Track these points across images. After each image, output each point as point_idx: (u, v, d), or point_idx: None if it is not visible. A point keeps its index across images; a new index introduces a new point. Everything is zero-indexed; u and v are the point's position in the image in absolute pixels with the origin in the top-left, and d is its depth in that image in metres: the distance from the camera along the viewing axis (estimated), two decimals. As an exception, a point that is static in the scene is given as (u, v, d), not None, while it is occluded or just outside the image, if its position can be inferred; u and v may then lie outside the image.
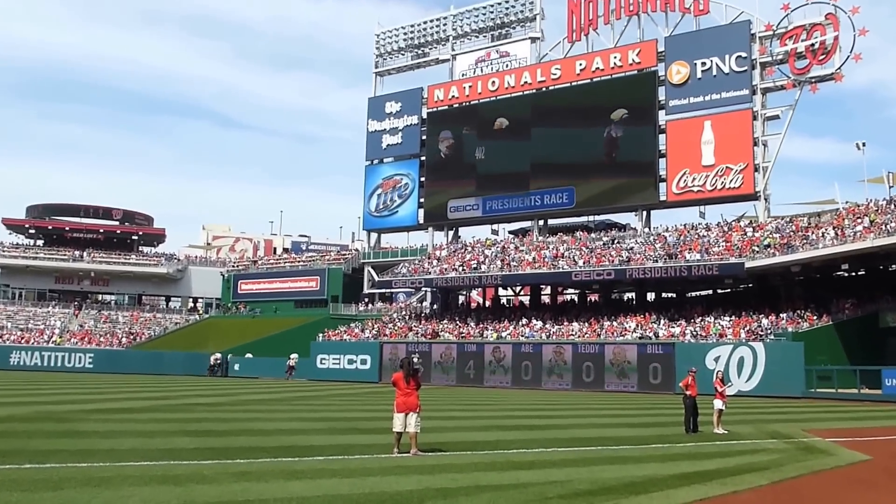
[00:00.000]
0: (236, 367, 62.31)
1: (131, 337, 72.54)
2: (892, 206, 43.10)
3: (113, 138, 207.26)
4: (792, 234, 46.45)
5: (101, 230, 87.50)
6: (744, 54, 54.19)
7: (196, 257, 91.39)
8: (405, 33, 71.51)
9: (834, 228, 44.03)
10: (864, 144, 52.04)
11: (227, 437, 17.41)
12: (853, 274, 48.39)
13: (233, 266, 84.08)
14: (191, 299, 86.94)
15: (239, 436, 17.83)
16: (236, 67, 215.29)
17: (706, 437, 19.47)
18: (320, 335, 60.97)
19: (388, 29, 72.73)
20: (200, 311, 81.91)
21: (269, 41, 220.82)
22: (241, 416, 23.21)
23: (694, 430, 20.12)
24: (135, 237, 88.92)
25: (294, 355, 58.58)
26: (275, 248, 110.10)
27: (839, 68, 51.11)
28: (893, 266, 46.68)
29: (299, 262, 79.93)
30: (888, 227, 39.71)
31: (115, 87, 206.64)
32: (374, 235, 73.36)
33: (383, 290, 69.11)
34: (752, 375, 41.44)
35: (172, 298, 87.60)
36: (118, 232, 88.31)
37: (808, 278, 48.66)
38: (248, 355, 60.00)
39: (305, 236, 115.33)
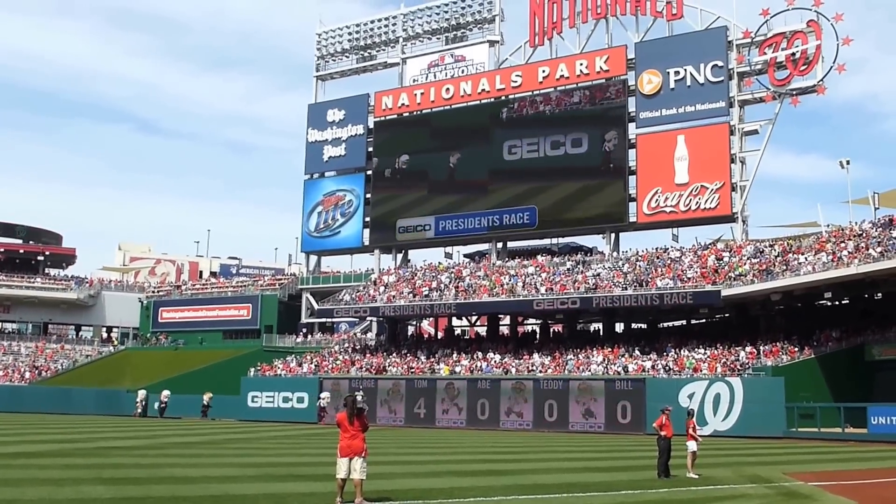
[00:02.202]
0: (156, 405, 61.35)
1: (35, 371, 71.05)
2: (878, 230, 44.20)
3: (15, 144, 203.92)
4: (771, 259, 47.35)
5: (2, 249, 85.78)
6: (720, 63, 55.36)
7: (111, 281, 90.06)
8: (350, 33, 71.75)
9: (815, 253, 45.01)
10: (848, 163, 53.43)
11: (146, 486, 17.16)
12: (837, 303, 49.49)
13: (153, 291, 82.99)
14: (104, 328, 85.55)
15: (160, 483, 17.59)
16: (160, 66, 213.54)
17: (680, 481, 19.70)
18: (252, 370, 60.37)
19: (330, 28, 72.91)
20: (115, 342, 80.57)
21: (199, 36, 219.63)
22: (163, 462, 22.89)
23: (666, 474, 20.36)
24: (40, 258, 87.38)
25: (209, 394, 57.81)
26: (201, 272, 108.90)
27: (822, 80, 52.47)
28: (880, 294, 47.79)
29: (229, 287, 79.21)
30: (874, 252, 40.71)
31: (17, 85, 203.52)
32: (313, 258, 73.09)
33: (324, 320, 68.78)
34: (728, 414, 42.03)
35: (83, 327, 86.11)
36: (21, 252, 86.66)
37: (790, 307, 49.64)
38: (165, 392, 59.04)
39: (236, 258, 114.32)
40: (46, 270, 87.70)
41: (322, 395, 53.62)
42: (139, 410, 58.71)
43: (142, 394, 59.61)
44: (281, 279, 78.03)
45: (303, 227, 71.98)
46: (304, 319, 70.89)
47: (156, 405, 60.59)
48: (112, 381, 66.25)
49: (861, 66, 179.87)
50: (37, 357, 75.10)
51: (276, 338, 68.41)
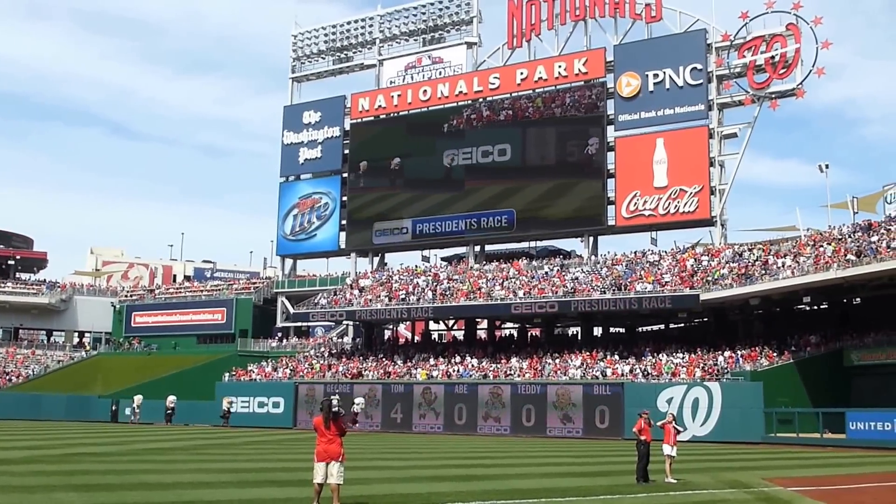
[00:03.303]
0: (127, 411, 61.00)
1: (6, 377, 70.40)
2: (857, 234, 44.59)
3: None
4: (750, 263, 47.67)
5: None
6: (699, 66, 55.70)
7: (83, 285, 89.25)
8: (326, 35, 71.65)
9: (794, 258, 45.35)
10: (827, 167, 53.89)
11: (118, 492, 17.09)
12: (816, 308, 49.85)
13: (126, 296, 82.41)
14: (76, 333, 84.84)
15: (133, 490, 17.51)
16: (135, 69, 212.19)
17: (659, 487, 19.80)
18: (227, 375, 60.10)
19: (306, 29, 72.80)
20: (87, 348, 79.97)
21: (175, 40, 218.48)
22: (135, 468, 22.76)
23: (645, 479, 20.45)
24: (11, 262, 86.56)
25: (172, 397, 57.54)
26: (174, 276, 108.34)
27: (801, 83, 52.90)
28: (859, 299, 48.20)
29: (203, 291, 78.83)
30: (852, 257, 41.04)
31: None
32: (288, 262, 72.91)
33: (299, 324, 68.49)
34: (707, 419, 42.27)
35: (55, 332, 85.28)
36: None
37: (768, 312, 49.99)
38: (137, 397, 58.58)
39: (210, 262, 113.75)
40: (17, 275, 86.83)
41: (357, 400, 51.94)
42: (134, 418, 57.97)
43: (138, 399, 58.74)
44: (256, 283, 77.67)
45: (278, 230, 71.78)
46: (279, 324, 70.64)
47: (127, 410, 60.27)
48: (84, 386, 65.71)
49: (841, 72, 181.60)
50: (7, 363, 74.33)
51: (251, 342, 68.10)
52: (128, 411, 60.49)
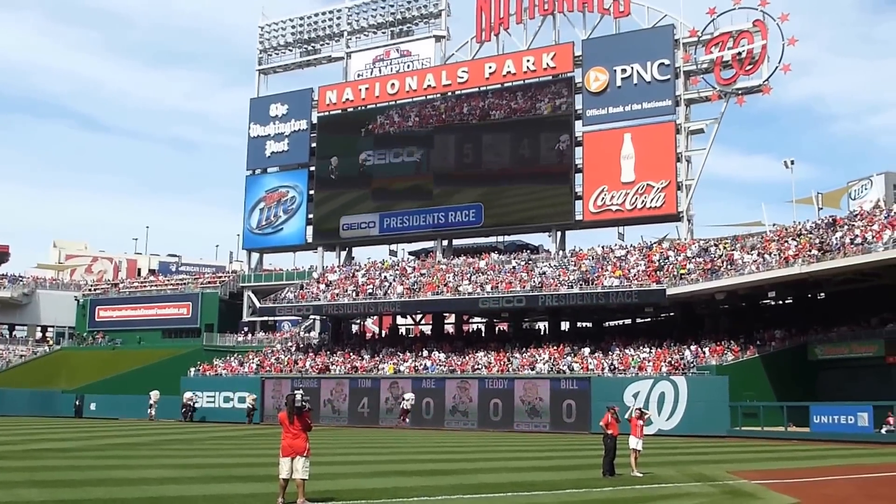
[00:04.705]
0: (92, 406, 60.48)
1: (-35, 372, 69.52)
2: (822, 230, 45.08)
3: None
4: (716, 259, 48.04)
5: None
6: (667, 62, 56.01)
7: (46, 279, 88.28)
8: (293, 26, 71.24)
9: (759, 253, 45.77)
10: (792, 162, 54.43)
11: (82, 488, 16.95)
12: (781, 302, 50.41)
13: (89, 290, 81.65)
14: (39, 328, 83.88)
15: (96, 486, 17.38)
16: (104, 61, 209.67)
17: (625, 480, 19.94)
18: (192, 369, 59.72)
19: (273, 21, 72.31)
20: (51, 342, 79.16)
21: (143, 31, 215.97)
22: (99, 464, 22.60)
23: (611, 473, 20.58)
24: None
25: (154, 392, 57.10)
26: (139, 270, 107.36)
27: (767, 80, 53.36)
28: (823, 294, 48.77)
29: (168, 285, 78.26)
30: (817, 252, 41.48)
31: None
32: (255, 255, 72.49)
33: (266, 318, 68.25)
34: (673, 413, 42.58)
35: (17, 327, 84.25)
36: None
37: (734, 307, 50.43)
38: (154, 393, 56.78)
39: (175, 256, 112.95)
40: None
41: (406, 395, 50.38)
42: (152, 413, 56.89)
43: (155, 394, 57.47)
44: (222, 277, 77.27)
45: (244, 223, 71.38)
46: (245, 318, 70.27)
47: (92, 406, 59.78)
48: (47, 381, 65.09)
49: (809, 69, 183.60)
50: (-34, 357, 73.42)
51: (216, 337, 67.70)
52: (93, 406, 59.93)
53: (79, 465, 22.08)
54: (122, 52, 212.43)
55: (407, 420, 49.75)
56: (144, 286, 79.82)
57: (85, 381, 63.65)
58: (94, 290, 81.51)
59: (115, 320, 74.62)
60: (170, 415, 56.42)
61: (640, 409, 23.63)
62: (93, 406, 60.61)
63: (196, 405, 55.89)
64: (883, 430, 35.88)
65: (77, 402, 60.83)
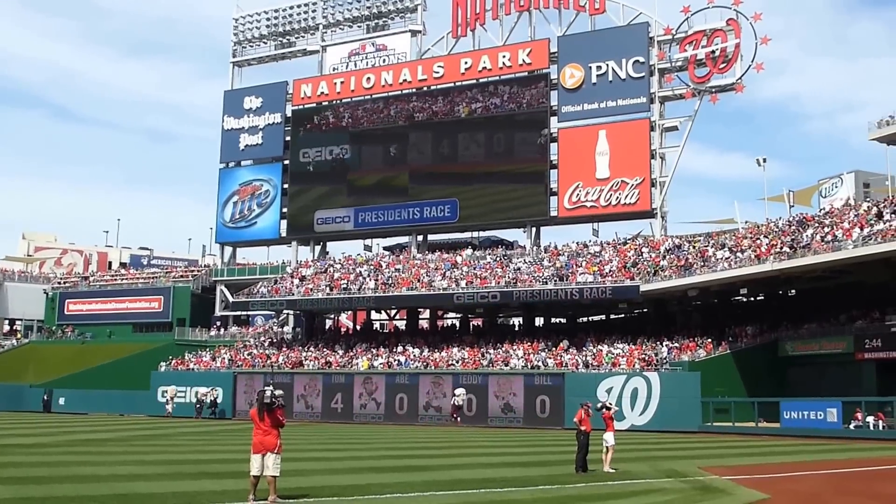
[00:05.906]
0: (61, 401, 59.99)
1: (-68, 366, 68.73)
2: (793, 227, 45.44)
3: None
4: (689, 255, 48.33)
5: None
6: (641, 59, 56.24)
7: (14, 272, 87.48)
8: (268, 19, 70.84)
9: (731, 250, 46.09)
10: (765, 160, 54.89)
11: (49, 485, 16.77)
12: (753, 299, 50.76)
13: (59, 283, 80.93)
14: (7, 321, 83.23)
15: (64, 482, 17.21)
16: (79, 50, 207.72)
17: (598, 476, 20.00)
18: (163, 364, 59.36)
19: (248, 13, 71.87)
20: (19, 335, 78.45)
21: (119, 20, 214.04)
22: (68, 460, 22.39)
23: (584, 469, 20.63)
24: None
25: (171, 387, 56.21)
26: (110, 263, 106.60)
27: (740, 78, 53.72)
28: (794, 291, 49.18)
29: (139, 279, 77.68)
30: (788, 249, 41.80)
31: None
32: (228, 249, 72.09)
33: (238, 313, 67.88)
34: (646, 408, 42.82)
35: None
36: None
37: (707, 303, 50.75)
38: (171, 388, 55.65)
39: (147, 249, 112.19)
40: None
41: (457, 391, 48.16)
42: (169, 409, 55.50)
43: (171, 389, 56.21)
44: (194, 271, 76.78)
45: (217, 217, 70.96)
46: (218, 312, 69.86)
47: (61, 401, 59.33)
48: (15, 376, 64.50)
49: (784, 68, 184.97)
50: (-67, 351, 72.63)
51: (188, 331, 67.27)
52: (62, 401, 59.44)
53: (47, 461, 21.87)
54: (98, 42, 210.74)
55: (458, 418, 47.60)
56: (115, 280, 79.22)
57: (54, 375, 63.13)
58: (64, 283, 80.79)
59: (85, 314, 73.92)
60: (142, 410, 56.05)
61: (603, 404, 23.35)
62: (62, 401, 60.12)
63: (217, 399, 54.67)
64: (851, 426, 36.26)
65: (46, 397, 60.36)
